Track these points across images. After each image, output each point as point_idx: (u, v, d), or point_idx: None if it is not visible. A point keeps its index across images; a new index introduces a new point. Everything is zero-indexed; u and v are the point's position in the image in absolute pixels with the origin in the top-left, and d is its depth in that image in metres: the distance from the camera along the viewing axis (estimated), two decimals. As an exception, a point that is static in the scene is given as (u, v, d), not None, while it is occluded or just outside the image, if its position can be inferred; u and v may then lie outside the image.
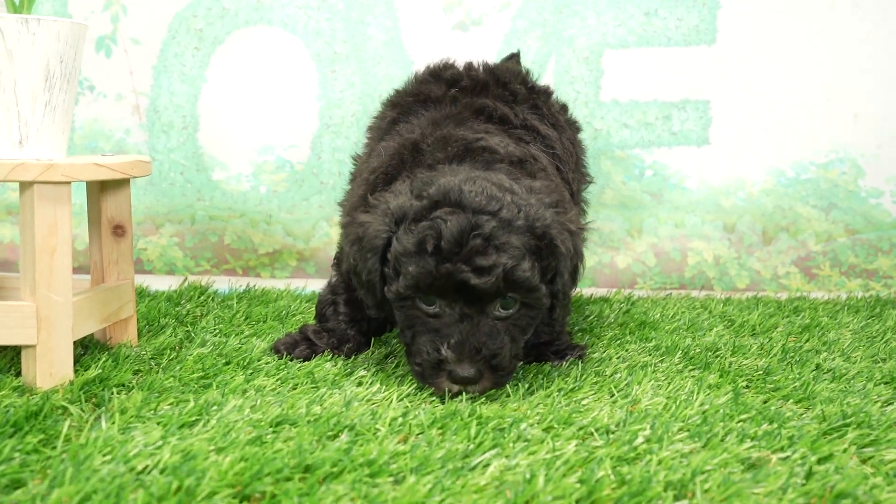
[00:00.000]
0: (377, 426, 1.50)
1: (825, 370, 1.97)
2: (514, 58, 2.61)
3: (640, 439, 1.46)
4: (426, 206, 1.68)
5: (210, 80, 3.05)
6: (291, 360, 1.93)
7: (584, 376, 1.84)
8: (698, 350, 2.08)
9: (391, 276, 1.71)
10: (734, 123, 3.05)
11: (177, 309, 2.36)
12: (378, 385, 1.76)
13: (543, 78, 2.99)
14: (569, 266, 1.73)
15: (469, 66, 2.24)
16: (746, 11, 3.01)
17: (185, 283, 2.65)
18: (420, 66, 2.32)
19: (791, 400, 1.75)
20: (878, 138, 3.04)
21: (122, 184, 2.01)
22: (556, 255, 1.70)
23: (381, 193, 1.83)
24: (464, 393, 1.67)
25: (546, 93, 2.29)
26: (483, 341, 1.66)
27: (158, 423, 1.49)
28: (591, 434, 1.50)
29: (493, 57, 2.77)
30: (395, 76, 3.00)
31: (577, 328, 2.31)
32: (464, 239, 1.63)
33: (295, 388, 1.73)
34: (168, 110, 3.06)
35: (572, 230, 1.76)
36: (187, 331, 2.14)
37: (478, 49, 2.88)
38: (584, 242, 1.85)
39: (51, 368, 1.71)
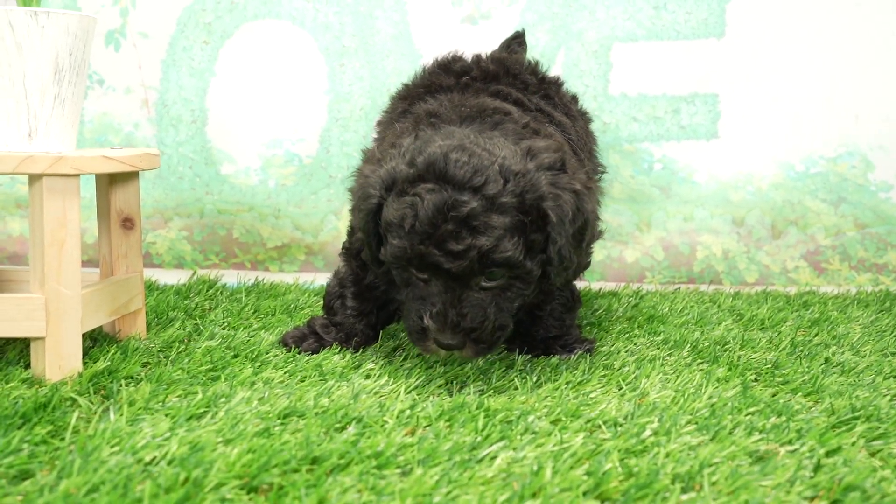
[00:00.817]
0: (385, 418, 1.50)
1: (834, 364, 1.97)
2: (519, 37, 2.60)
3: (647, 432, 1.46)
4: (411, 177, 1.65)
5: (218, 74, 3.06)
6: (299, 353, 1.93)
7: (592, 369, 1.84)
8: (707, 344, 2.08)
9: (384, 239, 1.70)
10: (743, 117, 3.04)
11: (185, 302, 2.36)
12: (386, 377, 1.76)
13: (552, 71, 2.98)
14: (567, 231, 1.67)
15: (478, 58, 2.23)
16: (756, 4, 3.00)
17: (194, 277, 2.65)
18: (428, 60, 2.31)
19: (800, 393, 1.75)
20: (881, 136, 3.03)
21: (130, 177, 2.01)
22: (548, 224, 1.66)
23: (386, 148, 1.82)
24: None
25: (557, 83, 2.28)
26: (464, 314, 1.65)
27: (166, 415, 1.49)
28: (599, 427, 1.50)
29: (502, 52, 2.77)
30: (404, 70, 3.00)
31: (585, 322, 2.31)
32: (438, 221, 1.60)
33: (303, 381, 1.74)
34: (177, 104, 3.07)
35: (576, 189, 1.70)
36: (196, 324, 2.14)
37: (486, 42, 2.87)
38: (600, 203, 1.80)
39: (59, 360, 1.71)
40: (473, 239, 1.59)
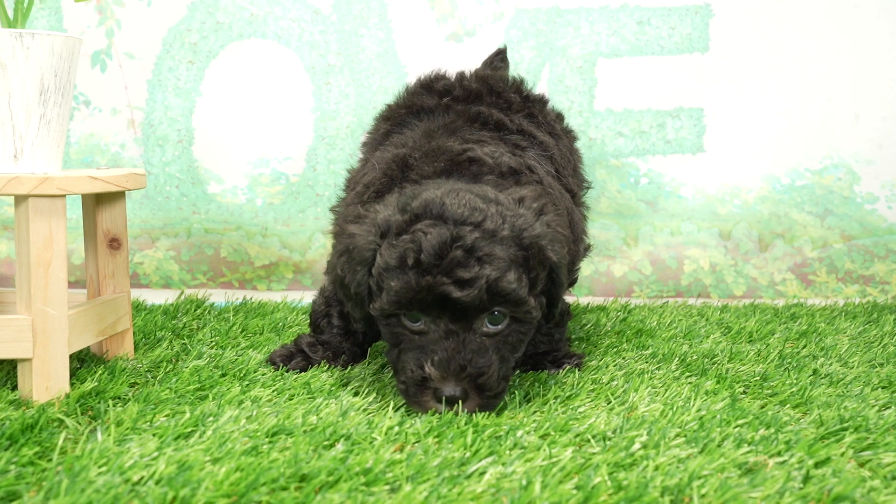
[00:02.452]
0: (373, 435, 1.50)
1: (822, 375, 1.97)
2: (501, 53, 2.60)
3: (636, 445, 1.46)
4: (408, 220, 1.63)
5: (205, 94, 3.06)
6: (287, 371, 1.93)
7: (580, 384, 1.84)
8: (695, 357, 2.08)
9: (375, 292, 1.66)
10: (728, 131, 3.06)
11: (173, 322, 2.35)
12: (374, 394, 1.75)
13: (537, 87, 2.99)
14: (564, 272, 1.70)
15: (461, 76, 2.23)
16: (739, 19, 3.02)
17: (182, 297, 2.65)
18: (414, 78, 2.31)
19: (788, 405, 1.75)
20: (879, 139, 3.04)
21: (117, 197, 2.01)
22: (547, 264, 1.66)
23: (371, 204, 1.79)
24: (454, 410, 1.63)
25: (541, 101, 2.27)
26: (469, 358, 1.59)
27: (154, 435, 1.48)
28: (588, 440, 1.50)
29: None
30: (390, 87, 3.01)
31: (574, 337, 2.31)
32: (444, 251, 1.57)
33: (291, 399, 1.73)
34: (163, 124, 3.07)
35: (563, 234, 1.72)
36: (184, 343, 2.13)
37: (472, 59, 2.88)
38: (587, 252, 1.84)
39: (47, 382, 1.71)
40: (480, 268, 1.57)
